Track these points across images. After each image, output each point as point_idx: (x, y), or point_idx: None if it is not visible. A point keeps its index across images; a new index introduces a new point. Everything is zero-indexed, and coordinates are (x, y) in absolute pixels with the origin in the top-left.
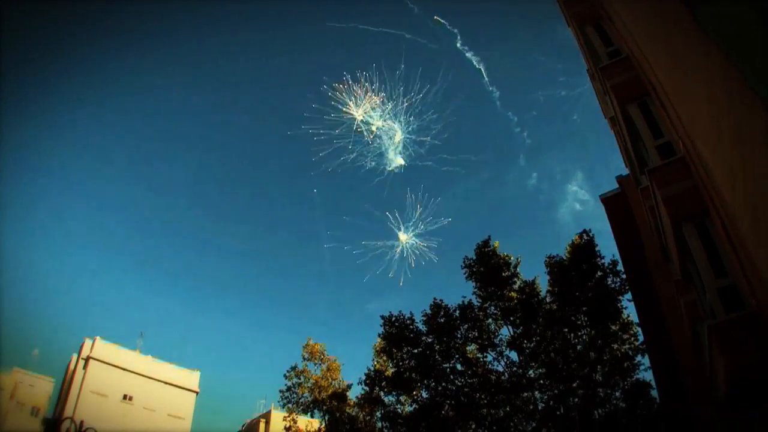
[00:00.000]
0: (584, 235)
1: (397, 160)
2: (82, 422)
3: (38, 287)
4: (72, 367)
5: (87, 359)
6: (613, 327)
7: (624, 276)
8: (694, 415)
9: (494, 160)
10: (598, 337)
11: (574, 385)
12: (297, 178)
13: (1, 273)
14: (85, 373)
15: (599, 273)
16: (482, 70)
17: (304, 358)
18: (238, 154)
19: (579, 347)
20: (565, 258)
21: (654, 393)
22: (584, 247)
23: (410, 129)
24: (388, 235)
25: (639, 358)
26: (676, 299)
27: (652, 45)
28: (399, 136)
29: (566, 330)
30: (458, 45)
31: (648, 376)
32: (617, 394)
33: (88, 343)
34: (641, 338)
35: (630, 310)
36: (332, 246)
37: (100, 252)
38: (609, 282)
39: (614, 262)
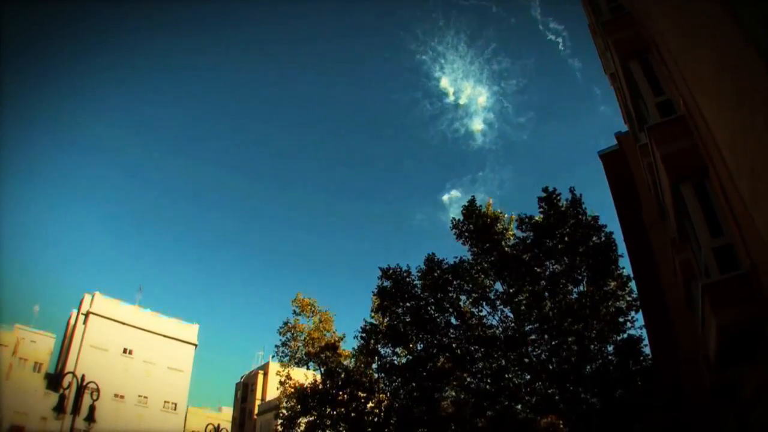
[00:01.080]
0: (571, 193)
1: None
2: (83, 376)
3: (37, 244)
4: (72, 322)
5: (87, 314)
6: (607, 284)
7: (609, 231)
8: (684, 370)
9: None
10: (590, 292)
11: (568, 340)
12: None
13: (1, 229)
14: (85, 328)
15: (583, 231)
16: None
17: (295, 313)
18: (237, 108)
19: (571, 302)
20: (539, 219)
21: (646, 349)
22: (559, 205)
23: None
24: None
25: (632, 314)
26: (671, 258)
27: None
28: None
29: (554, 285)
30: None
31: (640, 332)
32: (609, 349)
33: (87, 298)
34: (635, 295)
35: (627, 267)
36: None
37: (99, 205)
38: (595, 240)
39: (595, 218)
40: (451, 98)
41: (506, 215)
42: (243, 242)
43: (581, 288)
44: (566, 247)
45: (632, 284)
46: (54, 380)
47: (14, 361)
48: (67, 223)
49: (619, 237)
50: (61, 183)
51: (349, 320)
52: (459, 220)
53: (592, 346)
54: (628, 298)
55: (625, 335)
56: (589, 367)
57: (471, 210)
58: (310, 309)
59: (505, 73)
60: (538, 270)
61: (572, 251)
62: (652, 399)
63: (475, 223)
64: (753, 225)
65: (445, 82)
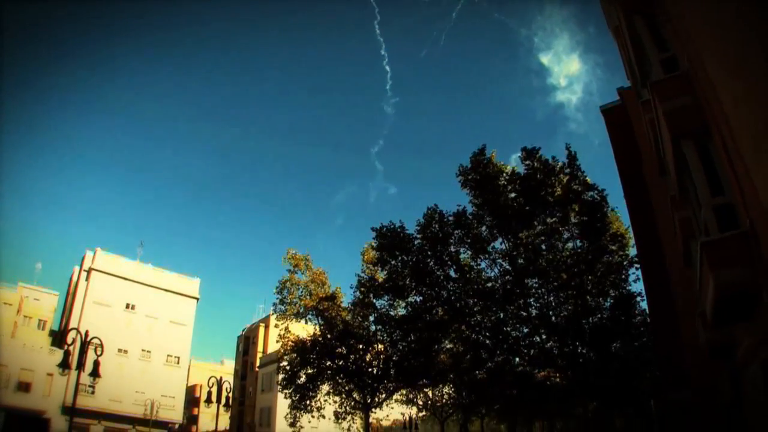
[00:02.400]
0: (567, 150)
1: None
2: (87, 332)
3: (38, 202)
4: (75, 279)
5: (89, 271)
6: (603, 239)
7: (602, 189)
8: (680, 326)
9: None
10: (585, 248)
11: (566, 293)
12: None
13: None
14: (87, 285)
15: (577, 187)
16: None
17: (289, 270)
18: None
19: (569, 257)
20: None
21: (643, 304)
22: (542, 164)
23: None
24: None
25: (630, 270)
26: (670, 215)
27: None
28: None
29: (549, 239)
30: None
31: (638, 287)
32: (607, 304)
33: (89, 255)
34: (633, 251)
35: (624, 221)
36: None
37: (98, 161)
38: (588, 197)
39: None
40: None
41: (509, 167)
42: (244, 196)
43: (577, 243)
44: (558, 201)
45: (630, 240)
46: (58, 337)
47: (19, 319)
48: (67, 181)
49: (619, 193)
50: (61, 140)
51: (345, 277)
52: (466, 167)
53: (590, 301)
54: (626, 254)
55: (623, 290)
56: (586, 321)
57: (478, 159)
58: (304, 263)
59: None
60: (535, 222)
61: (565, 205)
62: (648, 354)
63: (481, 173)
64: (754, 186)
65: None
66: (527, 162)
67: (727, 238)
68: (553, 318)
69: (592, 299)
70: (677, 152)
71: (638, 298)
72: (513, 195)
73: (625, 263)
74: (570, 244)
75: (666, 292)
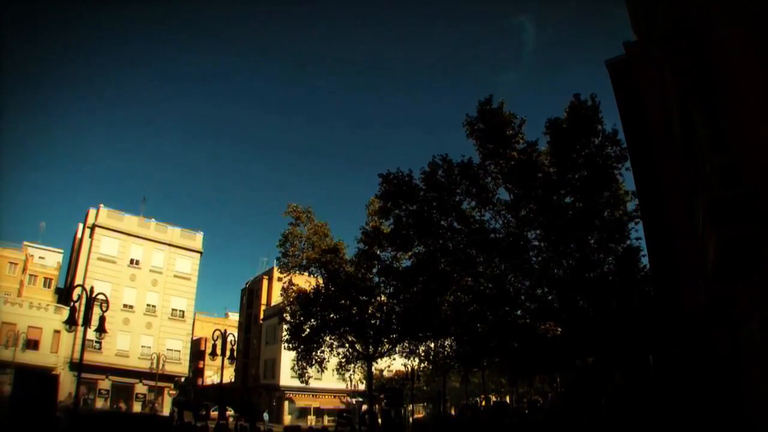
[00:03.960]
0: (590, 99)
1: None
2: (92, 288)
3: (40, 161)
4: (79, 236)
5: (93, 228)
6: (609, 193)
7: (624, 145)
8: (681, 282)
9: None
10: (594, 202)
11: (569, 247)
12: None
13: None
14: (91, 242)
15: (599, 139)
16: None
17: (291, 224)
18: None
19: (574, 210)
20: (563, 120)
21: (645, 260)
22: (584, 111)
23: None
24: None
25: (632, 225)
26: (674, 170)
27: None
28: None
29: (562, 193)
30: None
31: (640, 243)
32: (609, 258)
33: (92, 211)
34: (636, 206)
35: (628, 180)
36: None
37: (98, 113)
38: (609, 151)
39: (615, 131)
40: None
41: (518, 117)
42: (248, 150)
43: (585, 196)
44: (578, 154)
45: (634, 195)
46: (64, 294)
47: (25, 277)
48: (69, 138)
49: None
50: (61, 97)
51: (348, 234)
52: (472, 116)
53: (592, 255)
54: (629, 209)
55: (625, 245)
56: (588, 275)
57: (485, 108)
58: (306, 216)
59: None
60: (546, 174)
61: (584, 158)
62: (648, 309)
63: (488, 122)
64: (759, 144)
65: None
66: (567, 111)
67: (730, 196)
68: (555, 271)
69: (594, 254)
70: (683, 109)
71: (640, 254)
72: (522, 146)
73: (625, 218)
74: (577, 196)
75: (667, 248)
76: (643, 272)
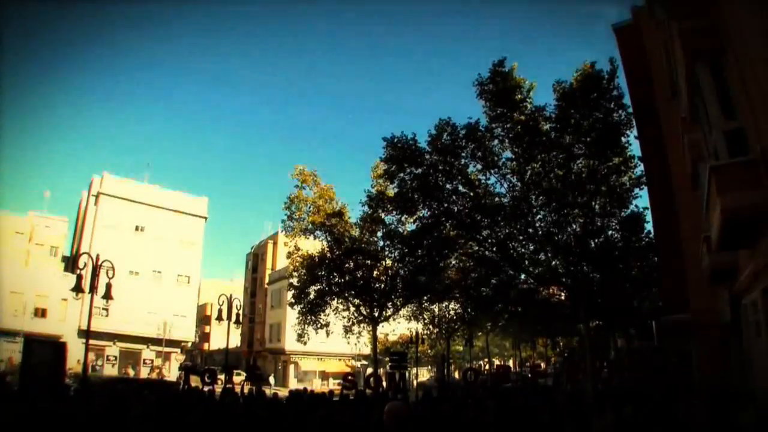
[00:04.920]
0: (609, 63)
1: None
2: (98, 256)
3: (42, 130)
4: (83, 204)
5: (97, 195)
6: (615, 159)
7: (630, 110)
8: (684, 249)
9: None
10: (599, 167)
11: (573, 212)
12: None
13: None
14: (96, 210)
15: (608, 104)
16: None
17: (297, 187)
18: None
19: (579, 175)
20: (573, 84)
21: (649, 226)
22: (597, 77)
23: None
24: None
25: (637, 191)
26: (680, 137)
27: None
28: None
29: (564, 156)
30: None
31: (644, 209)
32: (613, 224)
33: (96, 179)
34: (641, 171)
35: (633, 145)
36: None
37: (99, 79)
38: (616, 116)
39: (621, 96)
40: None
41: (527, 82)
42: (251, 112)
43: (590, 161)
44: (586, 119)
45: (640, 161)
46: (70, 262)
47: (31, 247)
48: (71, 106)
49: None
50: (64, 64)
51: (352, 195)
52: (484, 77)
53: (597, 220)
54: (634, 175)
55: (629, 211)
56: (592, 240)
57: (497, 70)
58: (312, 179)
59: None
60: (553, 138)
61: (591, 123)
62: (651, 275)
63: (498, 85)
64: (767, 112)
65: None
66: (578, 75)
67: (736, 163)
68: (559, 236)
69: (599, 219)
70: (690, 74)
71: (644, 220)
72: (529, 110)
73: (630, 183)
74: (583, 160)
75: (672, 214)
76: (647, 239)
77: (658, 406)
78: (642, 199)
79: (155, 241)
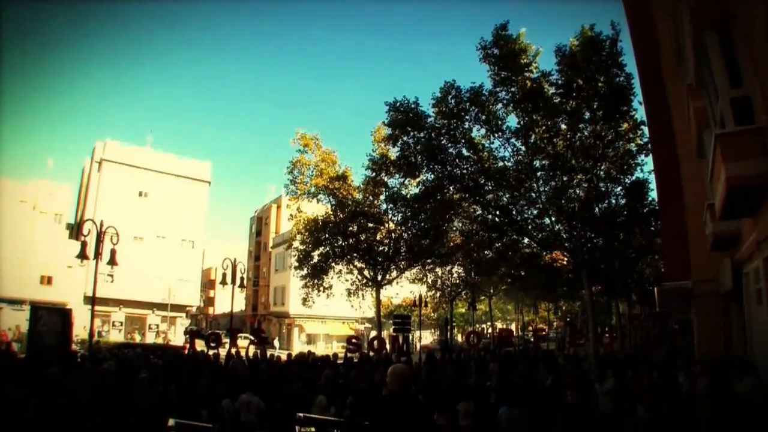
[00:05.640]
0: (611, 28)
1: None
2: (102, 222)
3: (44, 99)
4: (87, 171)
5: (100, 162)
6: (623, 125)
7: (629, 73)
8: (688, 217)
9: None
10: (603, 132)
11: (577, 177)
12: None
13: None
14: (99, 176)
15: (611, 69)
16: None
17: (299, 151)
18: None
19: (584, 140)
20: (572, 47)
21: (652, 194)
22: (599, 41)
23: None
24: None
25: (642, 157)
26: (685, 104)
27: None
28: None
29: (569, 122)
30: None
31: (648, 176)
32: (617, 190)
33: (99, 146)
34: (646, 138)
35: (640, 111)
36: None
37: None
38: (619, 80)
39: (623, 62)
40: None
41: (534, 47)
42: (253, 76)
43: (595, 127)
44: (589, 83)
45: (644, 128)
46: (75, 229)
47: (35, 215)
48: (71, 73)
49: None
50: (64, 30)
51: (354, 160)
52: (488, 41)
53: (601, 186)
54: (639, 141)
55: (633, 178)
56: (596, 206)
57: (501, 34)
58: (314, 143)
59: None
60: (557, 103)
61: (595, 88)
62: (653, 242)
63: (502, 48)
64: None
65: None
66: (576, 38)
67: (742, 131)
68: (563, 201)
69: (603, 185)
70: (698, 42)
71: (648, 187)
72: (536, 75)
73: (634, 150)
74: (587, 126)
75: (676, 182)
76: (651, 206)
77: (659, 373)
78: (647, 166)
79: (159, 207)
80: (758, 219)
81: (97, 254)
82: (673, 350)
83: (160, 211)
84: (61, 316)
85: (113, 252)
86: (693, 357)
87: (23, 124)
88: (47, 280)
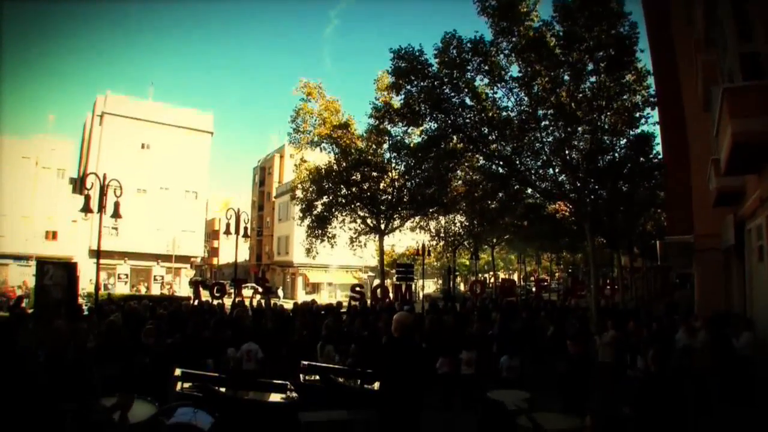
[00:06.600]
0: None
1: None
2: (104, 175)
3: (44, 53)
4: (88, 125)
5: (101, 115)
6: (627, 76)
7: (633, 21)
8: (692, 172)
9: None
10: (607, 83)
11: (581, 129)
12: None
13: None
14: (101, 129)
15: (614, 19)
16: None
17: (302, 100)
18: None
19: (587, 92)
20: None
21: (658, 147)
22: None
23: None
24: None
25: (648, 110)
26: (693, 58)
27: None
28: None
29: (572, 72)
30: None
31: (654, 129)
32: (622, 142)
33: (100, 99)
34: (651, 91)
35: (646, 64)
36: None
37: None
38: (622, 30)
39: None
40: None
41: None
42: (255, 23)
43: (599, 77)
44: (590, 32)
45: (650, 80)
46: (78, 184)
47: (38, 171)
48: (71, 27)
49: (642, 31)
50: None
51: (357, 109)
52: None
53: (605, 138)
54: (645, 94)
55: (639, 131)
56: (600, 159)
57: None
58: (317, 92)
59: None
60: (559, 53)
61: (596, 37)
62: (657, 196)
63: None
64: None
65: None
66: None
67: (750, 86)
68: (567, 152)
69: (608, 137)
70: None
71: (653, 141)
72: (537, 24)
73: (640, 102)
74: (590, 77)
75: (681, 136)
76: (656, 160)
77: (659, 325)
78: (653, 119)
79: (161, 159)
80: (762, 176)
81: (101, 207)
82: (673, 304)
83: (163, 162)
84: (67, 270)
85: (117, 205)
86: (693, 311)
87: (23, 80)
88: (52, 236)
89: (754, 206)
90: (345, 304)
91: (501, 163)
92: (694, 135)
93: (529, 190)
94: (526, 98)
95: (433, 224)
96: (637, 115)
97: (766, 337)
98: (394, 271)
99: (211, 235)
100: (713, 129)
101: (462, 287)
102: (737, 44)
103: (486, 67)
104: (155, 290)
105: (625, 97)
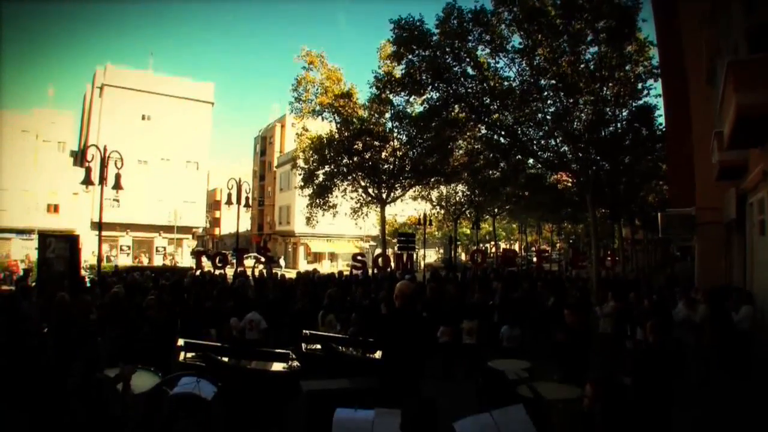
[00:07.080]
0: None
1: None
2: (105, 147)
3: (42, 26)
4: (88, 97)
5: (101, 87)
6: (629, 47)
7: (640, 1)
8: (694, 145)
9: None
10: (608, 54)
11: (583, 99)
12: None
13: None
14: (101, 101)
15: None
16: None
17: (304, 68)
18: None
19: (589, 62)
20: None
21: (660, 119)
22: None
23: None
24: None
25: (651, 82)
26: (698, 30)
27: None
28: None
29: (573, 42)
30: None
31: (656, 101)
32: (624, 114)
33: (100, 71)
34: (654, 62)
35: (650, 36)
36: None
37: None
38: (625, 0)
39: None
40: None
41: None
42: None
43: (601, 48)
44: (590, 1)
45: (653, 51)
46: (79, 156)
47: (38, 144)
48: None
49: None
50: None
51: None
52: None
53: (607, 109)
54: (647, 65)
55: (641, 102)
56: (602, 130)
57: None
58: (319, 61)
59: None
60: (560, 23)
61: (596, 7)
62: (659, 167)
63: None
64: None
65: None
66: None
67: (756, 59)
68: (569, 123)
69: (610, 108)
70: None
71: (656, 112)
72: None
73: (643, 73)
74: (592, 47)
75: (684, 108)
76: (658, 131)
77: (659, 297)
78: (655, 91)
79: (162, 130)
80: (766, 150)
81: (102, 179)
82: (673, 276)
83: (164, 133)
84: (69, 242)
85: (118, 176)
86: (693, 283)
87: (22, 53)
88: (54, 209)
89: (756, 180)
90: (346, 273)
91: (503, 133)
92: (697, 107)
93: (531, 161)
94: (527, 68)
95: (434, 194)
96: (640, 86)
97: (766, 311)
98: (395, 240)
99: (213, 205)
100: (717, 102)
101: (463, 257)
102: (743, 17)
103: (487, 37)
104: (157, 261)
105: (627, 68)
